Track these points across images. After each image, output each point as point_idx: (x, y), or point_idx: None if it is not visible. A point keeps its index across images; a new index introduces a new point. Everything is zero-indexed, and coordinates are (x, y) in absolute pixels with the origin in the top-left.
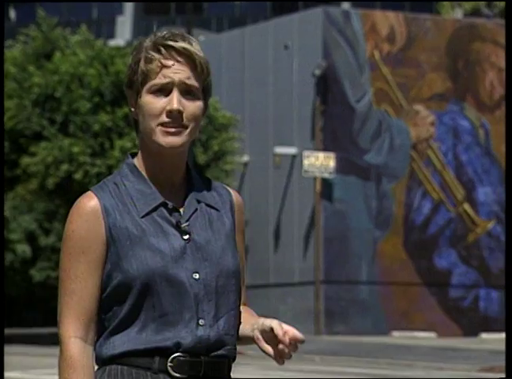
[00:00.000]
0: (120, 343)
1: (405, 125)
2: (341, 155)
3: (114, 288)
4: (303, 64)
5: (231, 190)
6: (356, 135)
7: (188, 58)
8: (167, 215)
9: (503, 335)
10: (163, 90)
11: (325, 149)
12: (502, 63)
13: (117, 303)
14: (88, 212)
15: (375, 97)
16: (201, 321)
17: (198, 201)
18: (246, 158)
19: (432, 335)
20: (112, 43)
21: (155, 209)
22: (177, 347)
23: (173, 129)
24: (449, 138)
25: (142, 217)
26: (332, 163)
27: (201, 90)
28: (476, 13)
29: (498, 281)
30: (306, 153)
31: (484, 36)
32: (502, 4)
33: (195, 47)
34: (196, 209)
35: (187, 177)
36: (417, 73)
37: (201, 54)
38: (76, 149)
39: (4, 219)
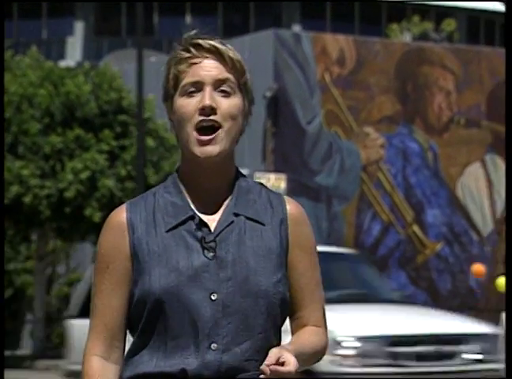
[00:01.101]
0: (134, 365)
1: (355, 147)
2: (292, 177)
3: (134, 306)
4: (254, 86)
5: (287, 201)
6: (307, 156)
7: (218, 55)
8: (194, 229)
9: None
10: (196, 91)
11: (276, 171)
12: (450, 86)
13: (137, 323)
14: (115, 227)
15: (326, 119)
16: (213, 345)
17: (237, 214)
18: None
19: None
20: (62, 63)
21: (182, 223)
22: (182, 373)
23: (207, 137)
24: (398, 160)
25: (168, 231)
26: (283, 185)
27: (238, 87)
28: (424, 37)
29: (446, 302)
30: (257, 174)
31: (432, 60)
32: (449, 28)
33: (227, 47)
34: (231, 223)
35: (233, 187)
36: (367, 95)
37: (232, 52)
38: (25, 172)
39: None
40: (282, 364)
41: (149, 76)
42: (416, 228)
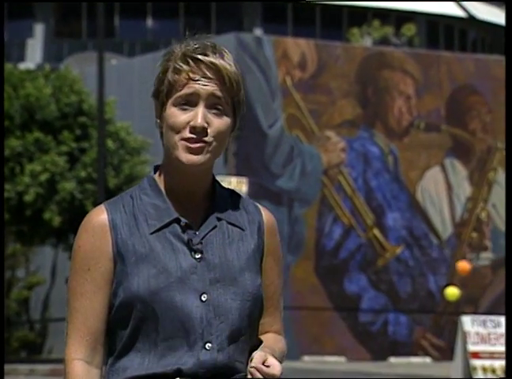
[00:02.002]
0: (124, 369)
1: (317, 150)
2: (254, 180)
3: (118, 308)
4: None
5: (262, 210)
6: (268, 160)
7: (217, 72)
8: (180, 232)
9: (411, 359)
10: (189, 103)
11: (238, 174)
12: (410, 91)
13: (122, 325)
14: (95, 227)
15: (287, 123)
16: (207, 345)
17: (219, 219)
18: None
19: (342, 359)
20: (22, 66)
21: (167, 225)
22: (177, 373)
23: (195, 145)
24: (359, 164)
25: (152, 233)
26: (244, 188)
27: (231, 106)
28: (384, 41)
29: (406, 305)
30: (218, 178)
31: (393, 64)
32: (409, 33)
33: (226, 61)
34: (215, 227)
35: (211, 192)
36: (328, 99)
37: (231, 68)
38: None
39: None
40: (267, 367)
41: (110, 79)
42: (376, 232)
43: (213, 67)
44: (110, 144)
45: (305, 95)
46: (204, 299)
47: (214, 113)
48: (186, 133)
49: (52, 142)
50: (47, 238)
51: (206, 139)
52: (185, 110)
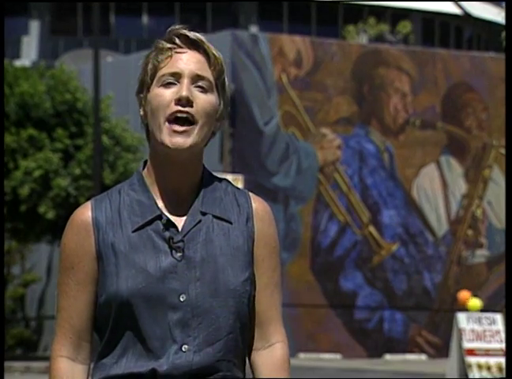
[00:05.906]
0: (105, 366)
1: (312, 148)
2: (249, 178)
3: (101, 307)
4: None
5: (253, 199)
6: (264, 157)
7: (201, 49)
8: (161, 229)
9: (406, 356)
10: (173, 82)
11: (234, 171)
12: (406, 88)
13: (105, 323)
14: (79, 225)
15: (283, 120)
16: (184, 347)
17: (204, 213)
18: None
19: (337, 356)
20: (18, 63)
21: (149, 223)
22: (152, 374)
23: (181, 128)
24: (355, 161)
25: (134, 231)
26: (240, 185)
27: (215, 85)
28: (380, 38)
29: (402, 303)
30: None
31: (388, 62)
32: (405, 30)
33: (210, 44)
34: (199, 222)
35: (200, 185)
36: (324, 96)
37: (215, 50)
38: None
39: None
40: None
41: (106, 76)
42: (372, 229)
43: (199, 42)
44: (105, 140)
45: (301, 92)
46: (182, 300)
47: (199, 90)
48: (173, 107)
49: (46, 139)
50: (43, 234)
51: (192, 111)
52: (169, 87)
